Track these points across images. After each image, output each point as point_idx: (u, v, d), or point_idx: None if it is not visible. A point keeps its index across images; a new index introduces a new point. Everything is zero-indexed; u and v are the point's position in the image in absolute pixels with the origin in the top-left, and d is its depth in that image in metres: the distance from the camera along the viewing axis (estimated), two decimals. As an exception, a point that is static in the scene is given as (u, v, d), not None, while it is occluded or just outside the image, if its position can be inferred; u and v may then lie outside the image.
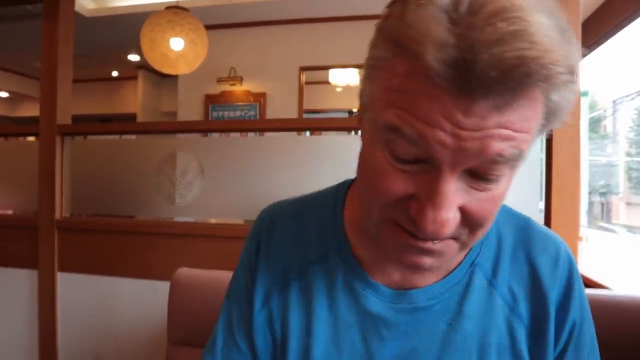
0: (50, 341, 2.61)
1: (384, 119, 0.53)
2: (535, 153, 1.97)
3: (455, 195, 0.53)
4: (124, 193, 2.51)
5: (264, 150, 2.24)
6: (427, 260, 0.61)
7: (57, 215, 2.56)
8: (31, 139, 2.77)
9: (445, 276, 0.73)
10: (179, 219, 2.49)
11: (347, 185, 0.83)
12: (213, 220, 2.30)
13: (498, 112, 0.48)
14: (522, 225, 0.77)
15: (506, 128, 0.49)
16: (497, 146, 0.49)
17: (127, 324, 2.44)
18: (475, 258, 0.74)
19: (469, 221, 0.57)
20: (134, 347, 2.43)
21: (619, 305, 1.24)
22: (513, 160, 0.52)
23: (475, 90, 0.46)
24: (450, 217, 0.53)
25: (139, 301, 2.40)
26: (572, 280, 0.74)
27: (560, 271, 0.73)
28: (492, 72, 0.44)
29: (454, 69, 0.45)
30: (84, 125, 2.60)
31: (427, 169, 0.53)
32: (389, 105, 0.53)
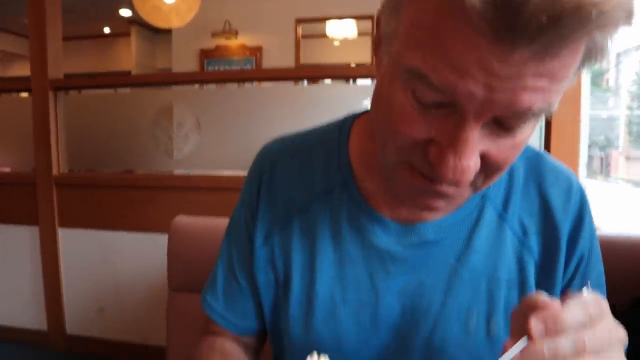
0: (55, 296, 2.66)
1: (409, 61, 0.49)
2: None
3: (477, 142, 0.50)
4: (121, 148, 2.49)
5: (261, 101, 2.20)
6: (440, 203, 0.59)
7: (55, 171, 2.55)
8: (25, 95, 2.73)
9: (455, 210, 0.71)
10: (178, 172, 2.48)
11: (351, 119, 0.80)
12: (211, 173, 2.30)
13: (538, 60, 0.43)
14: (534, 158, 0.75)
15: (543, 77, 0.44)
16: (529, 99, 0.45)
17: (128, 277, 2.47)
18: (486, 191, 0.71)
19: (488, 167, 0.54)
20: (136, 299, 2.47)
21: (609, 243, 1.25)
22: (540, 114, 0.49)
23: (518, 36, 0.40)
24: (471, 165, 0.50)
25: (140, 254, 2.42)
26: (583, 213, 0.72)
27: (573, 203, 0.72)
28: (544, 18, 0.38)
29: (497, 8, 0.39)
30: (77, 79, 2.55)
31: (450, 114, 0.50)
32: (415, 46, 0.48)
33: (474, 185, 0.58)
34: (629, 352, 0.78)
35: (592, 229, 0.74)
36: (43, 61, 2.49)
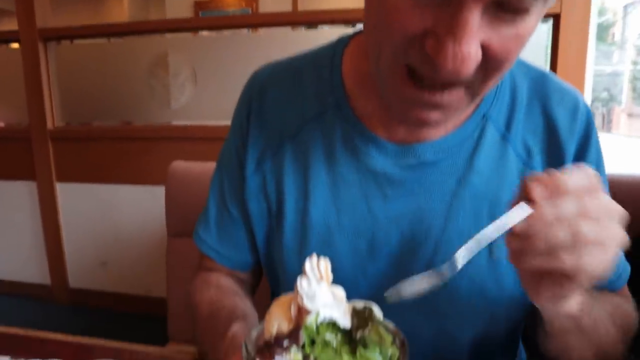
0: (57, 250, 2.67)
1: None
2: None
3: (478, 29, 0.47)
4: (117, 99, 2.43)
5: (258, 48, 2.13)
6: (433, 115, 0.56)
7: (49, 125, 2.51)
8: (15, 46, 2.64)
9: (455, 130, 0.68)
10: (175, 122, 2.43)
11: (345, 41, 0.76)
12: (209, 123, 2.25)
13: None
14: (539, 77, 0.71)
15: None
16: None
17: (128, 230, 2.47)
18: (488, 110, 0.68)
19: (489, 62, 0.51)
20: (137, 252, 2.48)
21: (613, 182, 1.24)
22: None
23: None
24: (472, 52, 0.47)
25: (139, 207, 2.41)
26: (589, 133, 0.69)
27: (579, 123, 0.69)
28: None
29: None
30: (66, 28, 2.46)
31: (447, 2, 0.47)
32: None
33: (471, 88, 0.54)
34: (632, 286, 0.77)
35: (599, 151, 0.71)
36: (30, 10, 2.40)
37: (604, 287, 0.72)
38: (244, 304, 0.74)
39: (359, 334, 0.39)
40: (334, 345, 0.37)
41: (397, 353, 0.37)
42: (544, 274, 0.49)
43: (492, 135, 0.69)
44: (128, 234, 2.47)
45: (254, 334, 0.40)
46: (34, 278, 2.76)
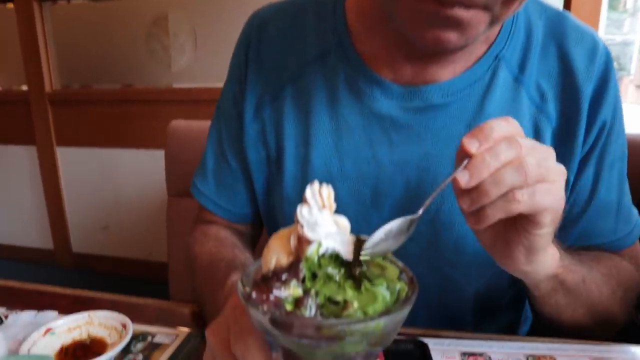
0: (59, 215, 2.66)
1: None
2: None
3: None
4: (117, 61, 2.38)
5: (260, 6, 2.06)
6: (451, 36, 0.52)
7: (48, 88, 2.46)
8: (10, 6, 2.57)
9: (465, 71, 0.64)
10: (176, 85, 2.38)
11: None
12: (211, 85, 2.20)
13: None
14: (555, 16, 0.67)
15: None
16: None
17: (130, 194, 2.45)
18: (501, 51, 0.64)
19: None
20: (139, 216, 2.47)
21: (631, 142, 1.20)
22: None
23: None
24: None
25: (140, 171, 2.39)
26: (608, 77, 0.65)
27: (597, 65, 0.65)
28: None
29: None
30: (63, -14, 2.39)
31: None
32: None
33: (491, 12, 0.51)
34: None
35: (617, 96, 0.67)
36: (24, -32, 2.33)
37: (611, 247, 0.70)
38: (244, 256, 0.72)
39: (357, 269, 0.36)
40: (337, 279, 0.35)
41: (405, 288, 0.35)
42: (507, 230, 0.47)
43: (504, 77, 0.65)
44: (129, 198, 2.46)
45: (252, 269, 0.38)
46: (37, 242, 2.76)
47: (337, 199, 0.69)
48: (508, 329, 0.81)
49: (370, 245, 0.36)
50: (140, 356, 0.63)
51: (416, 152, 0.65)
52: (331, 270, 0.34)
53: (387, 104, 0.65)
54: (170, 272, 1.40)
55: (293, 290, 0.33)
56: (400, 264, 0.38)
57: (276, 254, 0.34)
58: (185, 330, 0.68)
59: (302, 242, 0.34)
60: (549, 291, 0.58)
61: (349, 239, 0.36)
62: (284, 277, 0.33)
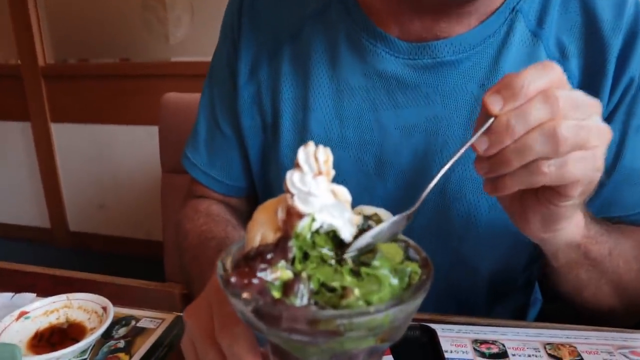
0: (55, 193, 2.61)
1: None
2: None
3: None
4: (112, 34, 2.30)
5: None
6: None
7: (41, 62, 2.38)
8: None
9: (479, 25, 0.57)
10: (174, 59, 2.30)
11: None
12: (209, 59, 2.12)
13: None
14: None
15: None
16: None
17: (127, 172, 2.39)
18: (518, 3, 0.58)
19: None
20: (136, 195, 2.41)
21: None
22: None
23: None
24: None
25: (137, 148, 2.32)
26: (638, 28, 0.58)
27: (626, 17, 0.58)
28: None
29: None
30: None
31: None
32: None
33: None
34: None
35: None
36: None
37: (635, 220, 0.64)
38: (238, 234, 0.66)
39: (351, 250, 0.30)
40: (333, 262, 0.29)
41: (418, 271, 0.29)
42: (528, 197, 0.41)
43: (521, 31, 0.58)
44: (126, 176, 2.40)
45: (235, 247, 0.32)
46: (34, 221, 2.72)
47: (337, 169, 0.63)
48: (518, 312, 0.76)
49: (353, 249, 0.29)
50: (122, 342, 0.57)
51: (424, 116, 0.59)
52: (326, 251, 0.28)
53: (393, 63, 0.59)
54: (166, 252, 1.35)
55: (282, 272, 0.27)
56: (411, 242, 0.32)
57: (261, 228, 0.28)
58: (172, 314, 0.63)
59: (292, 215, 0.28)
60: (570, 263, 0.53)
61: (350, 216, 0.29)
62: (269, 256, 0.27)
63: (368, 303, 0.26)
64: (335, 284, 0.26)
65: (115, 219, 2.52)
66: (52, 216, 2.65)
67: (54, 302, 0.61)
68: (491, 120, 0.35)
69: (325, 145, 0.62)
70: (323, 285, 0.26)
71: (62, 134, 2.47)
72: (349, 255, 0.29)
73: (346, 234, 0.29)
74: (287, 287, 0.27)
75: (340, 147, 0.61)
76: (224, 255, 0.31)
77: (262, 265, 0.27)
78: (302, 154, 0.28)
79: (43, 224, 2.69)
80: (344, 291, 0.26)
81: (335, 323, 0.25)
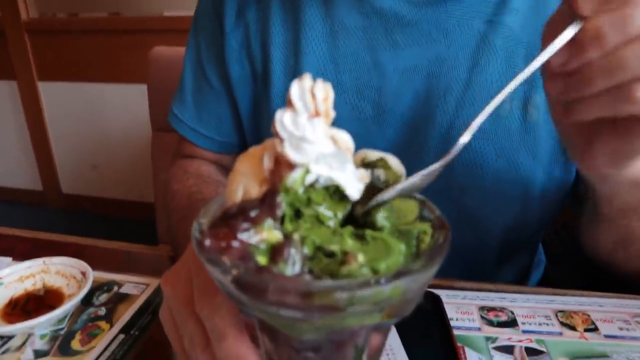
0: (46, 155, 2.54)
1: None
2: None
3: None
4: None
5: None
6: None
7: (24, 16, 2.27)
8: None
9: None
10: (167, 13, 2.19)
11: None
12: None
13: None
14: None
15: None
16: None
17: (119, 132, 2.33)
18: None
19: None
20: (129, 155, 2.35)
21: None
22: None
23: None
24: None
25: (129, 107, 2.25)
26: None
27: None
28: None
29: None
30: None
31: None
32: None
33: None
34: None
35: None
36: None
37: None
38: None
39: (360, 209, 0.25)
40: (332, 223, 0.24)
41: (429, 231, 0.24)
42: (602, 125, 0.33)
43: None
44: (118, 136, 2.33)
45: (214, 205, 0.27)
46: (25, 184, 2.66)
47: (334, 117, 0.58)
48: (523, 272, 0.72)
49: (392, 194, 0.24)
50: (103, 309, 0.53)
51: (425, 56, 0.54)
52: (324, 210, 0.23)
53: None
54: (157, 213, 1.31)
55: (267, 233, 0.22)
56: (425, 199, 0.27)
57: (244, 179, 0.23)
58: (157, 279, 0.58)
59: (282, 164, 0.22)
60: (625, 209, 0.46)
61: (353, 168, 0.24)
62: (253, 213, 0.22)
63: (374, 272, 0.21)
64: (334, 248, 0.21)
65: (109, 180, 2.46)
66: (44, 178, 2.59)
67: (29, 267, 0.56)
68: (577, 25, 0.28)
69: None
70: (319, 249, 0.22)
71: (50, 92, 2.39)
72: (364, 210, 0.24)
73: (352, 190, 0.24)
74: (275, 252, 0.22)
75: (336, 93, 0.56)
76: (201, 213, 0.26)
77: (244, 225, 0.22)
78: (295, 89, 0.23)
79: (35, 187, 2.64)
80: (345, 257, 0.21)
81: (334, 296, 0.20)
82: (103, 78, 2.26)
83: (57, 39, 2.27)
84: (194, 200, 0.61)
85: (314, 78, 0.58)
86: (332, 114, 0.24)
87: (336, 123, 0.59)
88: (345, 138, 0.24)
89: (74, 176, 2.54)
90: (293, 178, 0.22)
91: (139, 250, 0.67)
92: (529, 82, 0.53)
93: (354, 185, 0.24)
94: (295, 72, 0.58)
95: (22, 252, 0.65)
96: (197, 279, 0.31)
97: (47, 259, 0.57)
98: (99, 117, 2.34)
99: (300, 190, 0.22)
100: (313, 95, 0.22)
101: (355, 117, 0.57)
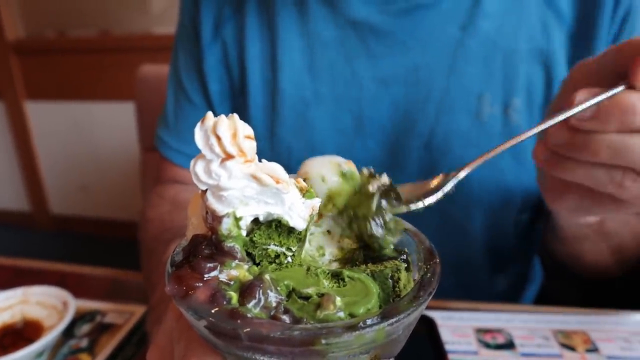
0: (33, 175, 2.50)
1: None
2: None
3: None
4: (89, 3, 2.17)
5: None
6: None
7: (10, 35, 2.25)
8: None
9: None
10: (157, 31, 2.18)
11: None
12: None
13: None
14: None
15: None
16: None
17: (108, 151, 2.30)
18: None
19: None
20: (119, 174, 2.32)
21: None
22: None
23: None
24: None
25: (118, 126, 2.22)
26: None
27: None
28: None
29: None
30: None
31: None
32: None
33: None
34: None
35: None
36: None
37: None
38: None
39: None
40: (290, 259, 0.22)
41: (401, 267, 0.22)
42: (582, 187, 0.34)
43: None
44: (108, 155, 2.31)
45: (179, 250, 0.25)
46: (11, 205, 2.61)
47: (313, 129, 0.57)
48: (519, 283, 0.72)
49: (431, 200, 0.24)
50: (85, 341, 0.51)
51: (402, 65, 0.54)
52: (274, 247, 0.22)
53: (365, 9, 0.54)
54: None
55: (237, 271, 0.21)
56: (412, 228, 0.26)
57: (194, 223, 0.22)
58: (142, 307, 0.56)
59: (214, 215, 0.21)
60: (578, 237, 0.50)
61: (301, 201, 0.23)
62: (207, 251, 0.21)
63: (352, 316, 0.19)
64: (310, 291, 0.20)
65: (99, 200, 2.43)
66: (32, 199, 2.55)
67: (7, 299, 0.54)
68: (620, 88, 0.28)
69: (299, 104, 0.58)
70: (294, 291, 0.20)
71: (37, 112, 2.36)
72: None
73: (296, 221, 0.22)
74: (246, 292, 0.20)
75: (315, 105, 0.57)
76: (175, 252, 0.24)
77: (209, 265, 0.20)
78: (198, 134, 0.21)
79: (22, 208, 2.59)
80: (322, 299, 0.19)
81: (321, 343, 0.18)
82: (91, 96, 2.25)
83: (45, 58, 2.26)
84: (163, 229, 0.58)
85: (292, 92, 0.57)
86: (249, 149, 0.22)
87: (318, 136, 0.58)
88: (275, 169, 0.22)
89: (63, 197, 2.51)
90: (225, 228, 0.21)
91: (125, 277, 0.65)
92: (507, 81, 0.54)
93: (297, 216, 0.23)
94: (273, 86, 0.58)
95: (1, 280, 0.63)
96: (178, 346, 0.28)
97: (27, 289, 0.55)
98: (88, 136, 2.32)
99: (243, 234, 0.21)
100: (218, 137, 0.21)
101: (335, 128, 0.57)
